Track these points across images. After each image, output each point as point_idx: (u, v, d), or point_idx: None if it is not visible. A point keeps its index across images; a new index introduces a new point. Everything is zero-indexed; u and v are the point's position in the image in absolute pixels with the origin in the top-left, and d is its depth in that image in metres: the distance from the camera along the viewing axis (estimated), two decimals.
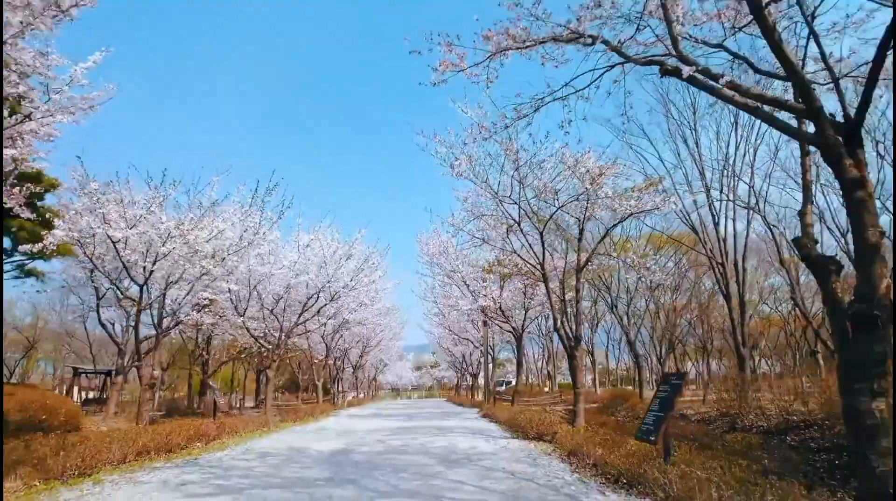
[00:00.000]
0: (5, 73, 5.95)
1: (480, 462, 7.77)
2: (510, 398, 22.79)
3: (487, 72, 5.94)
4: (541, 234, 12.46)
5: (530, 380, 49.17)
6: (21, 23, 4.43)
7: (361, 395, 45.71)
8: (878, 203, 15.50)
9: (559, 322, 12.24)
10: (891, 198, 15.67)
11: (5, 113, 7.23)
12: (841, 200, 16.66)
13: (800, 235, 4.29)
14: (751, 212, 17.02)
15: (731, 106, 9.07)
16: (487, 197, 12.50)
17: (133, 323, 18.72)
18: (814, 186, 16.12)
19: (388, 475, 6.75)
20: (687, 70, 4.25)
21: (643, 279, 20.40)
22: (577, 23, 5.01)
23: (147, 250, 10.25)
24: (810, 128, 3.89)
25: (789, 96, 4.90)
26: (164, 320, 12.18)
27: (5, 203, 8.36)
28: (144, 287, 10.75)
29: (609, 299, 22.76)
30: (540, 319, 28.90)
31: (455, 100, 10.41)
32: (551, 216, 12.48)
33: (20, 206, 8.33)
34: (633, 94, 20.27)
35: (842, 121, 3.58)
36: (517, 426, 12.00)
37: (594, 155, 11.13)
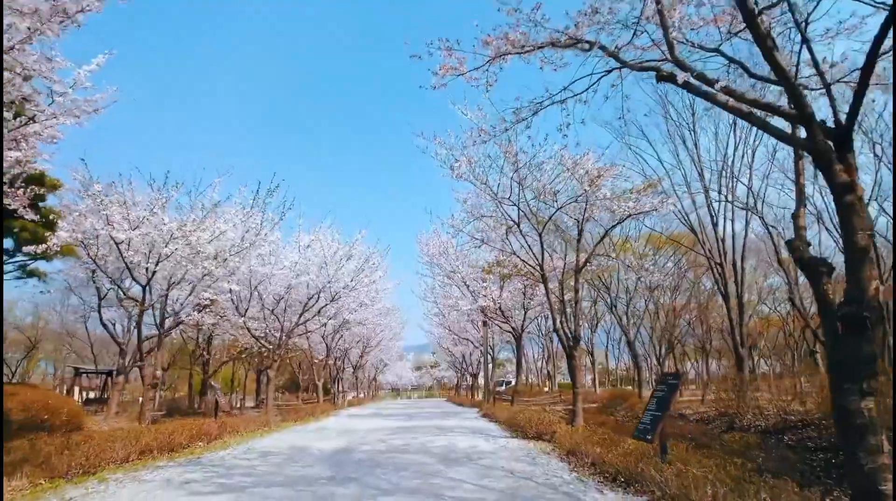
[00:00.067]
0: (10, 76, 6.03)
1: (480, 460, 7.85)
2: (510, 397, 22.88)
3: (487, 76, 6.02)
4: (540, 235, 12.55)
5: (530, 380, 49.26)
6: (28, 28, 4.52)
7: (361, 395, 45.80)
8: (875, 205, 15.60)
9: (558, 323, 12.32)
10: (888, 199, 15.76)
11: (10, 115, 7.31)
12: None
13: (794, 237, 4.37)
14: (749, 213, 17.12)
15: None
16: (487, 198, 12.60)
17: (135, 323, 18.89)
18: (812, 188, 16.29)
19: (390, 473, 6.83)
20: (682, 76, 4.34)
21: (642, 280, 20.49)
22: (575, 28, 5.09)
23: (150, 251, 10.34)
24: (803, 133, 3.97)
25: (784, 101, 4.98)
26: (167, 320, 12.26)
27: (9, 205, 8.44)
28: (147, 288, 10.83)
29: (608, 300, 22.86)
30: (539, 319, 29.00)
31: (455, 102, 10.50)
32: (550, 218, 12.57)
33: (24, 207, 8.41)
34: (632, 95, 20.39)
35: (833, 126, 3.66)
36: (516, 426, 12.09)
37: (593, 157, 11.23)
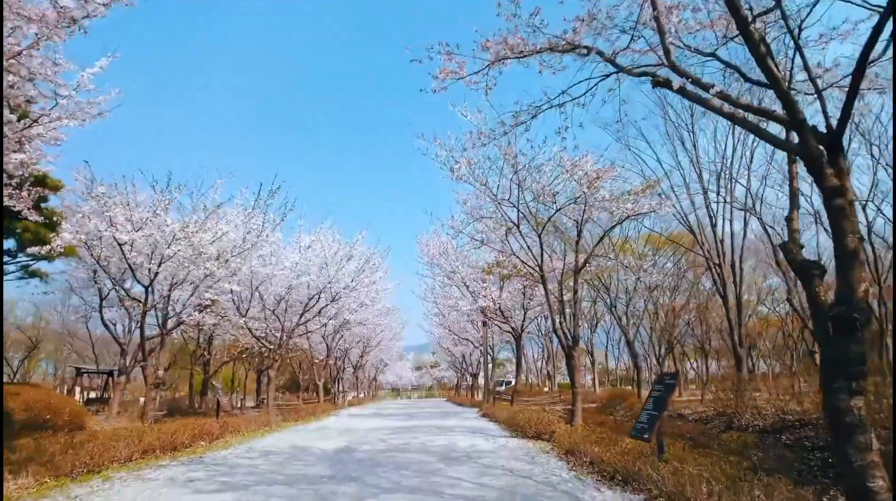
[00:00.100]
0: (16, 80, 6.11)
1: (480, 459, 7.93)
2: (509, 397, 22.96)
3: (486, 79, 6.09)
4: (539, 236, 12.64)
5: (530, 380, 49.35)
6: (36, 34, 4.60)
7: (362, 395, 45.88)
8: (872, 206, 15.69)
9: (557, 323, 12.40)
10: (885, 200, 15.85)
11: (14, 117, 7.40)
12: None
13: (788, 239, 4.45)
14: (747, 214, 17.21)
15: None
16: (487, 200, 12.69)
17: (136, 324, 18.97)
18: (810, 189, 16.37)
19: (390, 472, 6.91)
20: (677, 82, 4.42)
21: (641, 280, 20.58)
22: (573, 34, 5.17)
23: (152, 253, 10.44)
24: (796, 138, 4.05)
25: (779, 106, 5.06)
26: (169, 320, 12.35)
27: (13, 206, 8.52)
28: (150, 288, 10.92)
29: (608, 300, 22.95)
30: (539, 319, 29.08)
31: (455, 103, 10.59)
32: (550, 219, 12.65)
33: (28, 209, 8.49)
34: (631, 97, 20.42)
35: (824, 131, 3.74)
36: (516, 426, 12.17)
37: (592, 158, 11.31)
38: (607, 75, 5.53)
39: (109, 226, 9.52)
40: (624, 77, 5.76)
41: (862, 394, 3.33)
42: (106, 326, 17.62)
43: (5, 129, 6.27)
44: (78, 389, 26.51)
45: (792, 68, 4.68)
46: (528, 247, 13.36)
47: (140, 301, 11.36)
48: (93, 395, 27.80)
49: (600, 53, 5.15)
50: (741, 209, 17.33)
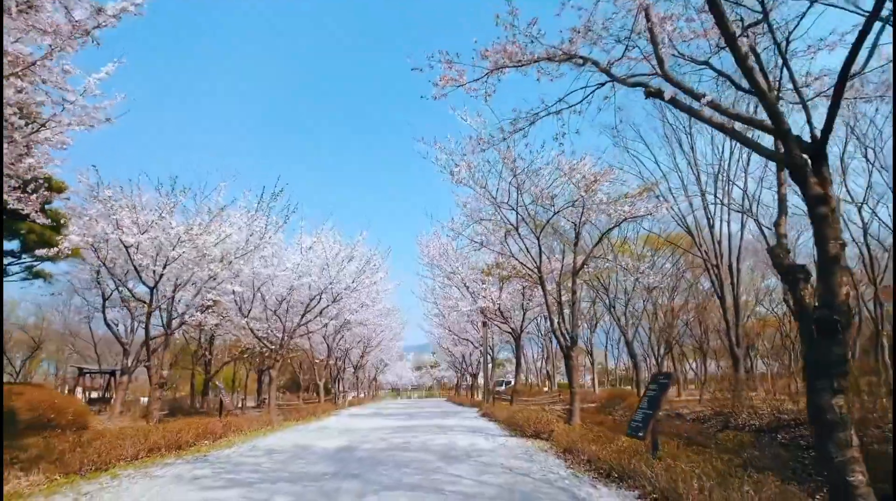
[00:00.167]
0: (27, 86, 6.27)
1: (479, 458, 8.09)
2: (509, 397, 23.13)
3: (486, 87, 6.25)
4: (538, 238, 12.80)
5: (529, 380, 49.53)
6: (50, 46, 4.76)
7: (362, 395, 46.03)
8: (867, 208, 15.85)
9: (556, 323, 12.56)
10: (880, 201, 16.01)
11: (22, 122, 7.55)
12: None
13: (776, 244, 4.61)
14: (744, 216, 17.36)
15: None
16: (486, 202, 12.86)
17: (138, 323, 19.13)
18: None
19: (391, 470, 7.07)
20: (669, 93, 4.57)
21: (640, 281, 20.74)
22: (570, 44, 5.33)
23: (157, 255, 10.60)
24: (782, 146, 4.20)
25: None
26: (172, 321, 12.52)
27: (21, 209, 8.68)
28: (154, 289, 11.09)
29: (607, 300, 23.11)
30: (539, 319, 29.24)
31: (455, 108, 10.74)
32: (548, 221, 12.81)
33: (36, 212, 8.64)
34: (629, 99, 20.71)
35: (809, 141, 3.90)
36: (515, 425, 12.32)
37: (590, 161, 11.47)
38: (603, 84, 5.69)
39: (116, 229, 9.70)
40: (619, 86, 5.93)
41: (843, 393, 3.49)
42: (109, 326, 17.81)
43: (15, 134, 6.43)
44: (80, 389, 26.68)
45: (780, 78, 4.84)
46: (527, 249, 13.52)
47: (145, 302, 11.53)
48: (94, 395, 27.98)
49: (595, 64, 5.31)
50: (738, 211, 17.49)
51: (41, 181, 7.55)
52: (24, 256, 16.17)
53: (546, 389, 39.51)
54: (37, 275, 17.48)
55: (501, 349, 40.93)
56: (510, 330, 21.63)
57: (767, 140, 6.25)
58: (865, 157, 15.04)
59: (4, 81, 4.96)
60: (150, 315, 11.30)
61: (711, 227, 17.60)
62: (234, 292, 14.03)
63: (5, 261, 16.01)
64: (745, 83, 5.99)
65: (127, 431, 8.87)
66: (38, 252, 10.04)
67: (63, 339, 33.05)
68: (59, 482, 6.28)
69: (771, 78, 5.21)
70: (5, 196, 7.89)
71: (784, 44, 4.45)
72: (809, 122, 4.03)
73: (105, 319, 17.67)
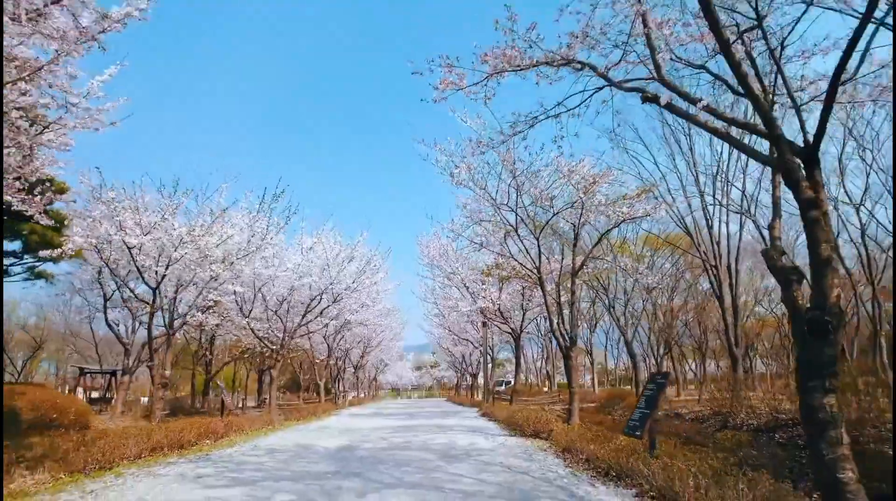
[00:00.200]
0: (30, 89, 6.34)
1: (479, 457, 8.17)
2: (509, 397, 23.21)
3: (485, 90, 6.33)
4: (537, 239, 12.88)
5: (529, 380, 49.63)
6: (56, 51, 4.84)
7: (362, 395, 46.12)
8: (865, 209, 15.92)
9: (556, 324, 12.64)
10: (878, 202, 16.10)
11: (26, 124, 7.63)
12: (830, 205, 17.10)
13: (770, 246, 4.69)
14: (743, 216, 17.44)
15: None
16: (486, 204, 12.94)
17: (139, 324, 19.22)
18: None
19: (392, 468, 7.15)
20: (665, 97, 4.66)
21: (639, 281, 20.83)
22: (568, 49, 5.41)
23: (159, 255, 10.69)
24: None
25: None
26: (175, 321, 12.61)
27: (25, 211, 8.76)
28: (157, 290, 11.18)
29: (606, 301, 23.20)
30: (538, 319, 29.33)
31: (455, 109, 10.81)
32: (547, 222, 12.89)
33: (40, 213, 8.72)
34: (629, 100, 20.72)
35: (802, 145, 3.98)
36: (515, 425, 12.40)
37: (589, 163, 11.56)
38: (601, 88, 5.77)
39: (119, 230, 9.78)
40: (617, 90, 6.01)
41: (834, 392, 3.57)
42: (110, 326, 17.92)
43: (21, 137, 6.50)
44: (80, 389, 26.77)
45: (775, 82, 4.91)
46: (527, 250, 13.61)
47: (147, 302, 11.62)
48: (95, 395, 28.07)
49: (593, 68, 5.39)
50: (737, 212, 17.57)
51: (48, 184, 7.61)
52: (26, 256, 16.27)
53: (546, 389, 39.60)
54: (39, 275, 17.58)
55: (501, 349, 41.06)
56: (510, 330, 21.73)
57: (765, 144, 6.34)
58: (863, 158, 15.14)
59: (11, 85, 5.04)
60: (153, 315, 11.39)
61: (710, 227, 17.68)
62: (235, 292, 14.11)
63: (8, 261, 16.10)
64: (741, 88, 6.11)
65: (130, 430, 8.95)
66: (42, 253, 10.12)
67: (64, 339, 33.15)
68: (63, 480, 6.36)
69: (766, 82, 5.29)
70: (9, 197, 7.97)
71: (778, 49, 4.53)
72: (802, 127, 4.11)
73: (106, 319, 17.78)
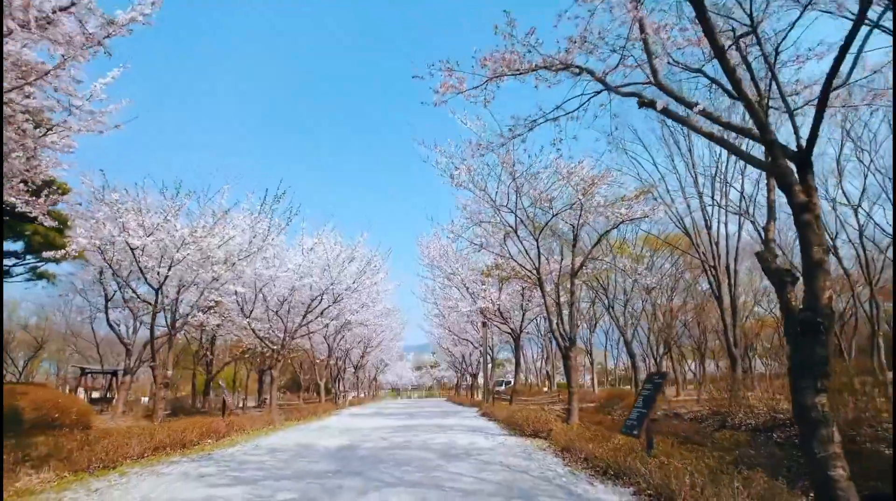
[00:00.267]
0: (34, 90, 6.42)
1: (479, 456, 8.24)
2: (509, 397, 23.28)
3: (485, 93, 6.42)
4: (536, 240, 12.96)
5: (529, 380, 49.69)
6: (63, 56, 4.92)
7: (362, 395, 46.20)
8: (863, 211, 16.00)
9: (555, 324, 12.72)
10: (876, 202, 16.18)
11: (30, 126, 7.71)
12: (828, 206, 17.17)
13: (764, 248, 4.77)
14: (741, 217, 17.52)
15: None
16: (486, 205, 13.02)
17: (140, 324, 19.31)
18: None
19: (392, 468, 7.22)
20: (661, 103, 4.74)
21: (638, 281, 20.91)
22: (566, 54, 5.49)
23: (162, 256, 10.77)
24: None
25: None
26: (177, 321, 12.69)
27: (30, 212, 8.84)
28: (159, 291, 11.26)
29: (606, 301, 23.28)
30: (538, 320, 29.40)
31: (455, 111, 10.89)
32: (547, 224, 12.97)
33: (43, 215, 8.80)
34: (627, 101, 20.83)
35: (795, 150, 4.06)
36: (514, 424, 12.48)
37: (588, 165, 11.63)
38: (599, 92, 5.85)
39: (122, 231, 9.87)
40: (614, 94, 6.09)
41: (826, 392, 3.65)
42: (111, 326, 18.00)
43: (27, 140, 6.58)
44: (81, 389, 26.85)
45: (770, 87, 4.99)
46: (526, 251, 13.68)
47: (149, 303, 11.70)
48: (96, 395, 28.14)
49: (591, 73, 5.47)
50: (735, 213, 17.64)
51: (55, 188, 7.70)
52: (28, 257, 16.35)
53: (545, 389, 39.65)
54: (41, 276, 17.65)
55: (501, 350, 41.15)
56: (510, 330, 21.80)
57: (762, 148, 6.42)
58: (860, 160, 15.22)
59: (18, 90, 5.12)
60: (155, 316, 11.47)
61: (709, 228, 17.75)
62: (236, 292, 14.19)
63: (10, 262, 16.18)
64: (735, 93, 6.19)
65: (133, 430, 9.03)
66: (46, 254, 10.20)
67: (65, 339, 33.23)
68: (68, 479, 6.44)
69: (762, 86, 5.37)
70: (14, 199, 8.05)
71: (773, 54, 4.61)
72: (796, 131, 4.18)
73: (108, 319, 17.86)
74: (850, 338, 22.50)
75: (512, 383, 30.23)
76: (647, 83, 5.60)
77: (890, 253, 18.41)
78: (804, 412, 3.67)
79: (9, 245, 15.82)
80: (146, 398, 29.72)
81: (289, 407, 24.22)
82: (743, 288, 23.98)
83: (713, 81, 5.93)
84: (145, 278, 11.10)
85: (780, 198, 6.19)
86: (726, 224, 18.20)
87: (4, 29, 4.03)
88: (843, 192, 16.88)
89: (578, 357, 23.54)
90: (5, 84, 5.27)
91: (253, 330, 16.89)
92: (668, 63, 6.08)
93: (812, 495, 5.27)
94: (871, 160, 15.06)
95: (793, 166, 4.02)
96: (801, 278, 4.59)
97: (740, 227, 18.00)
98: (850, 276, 19.53)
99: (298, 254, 17.17)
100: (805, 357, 3.75)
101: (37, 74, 5.06)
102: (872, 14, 5.11)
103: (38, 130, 7.87)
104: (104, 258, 10.88)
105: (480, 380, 35.39)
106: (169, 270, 10.83)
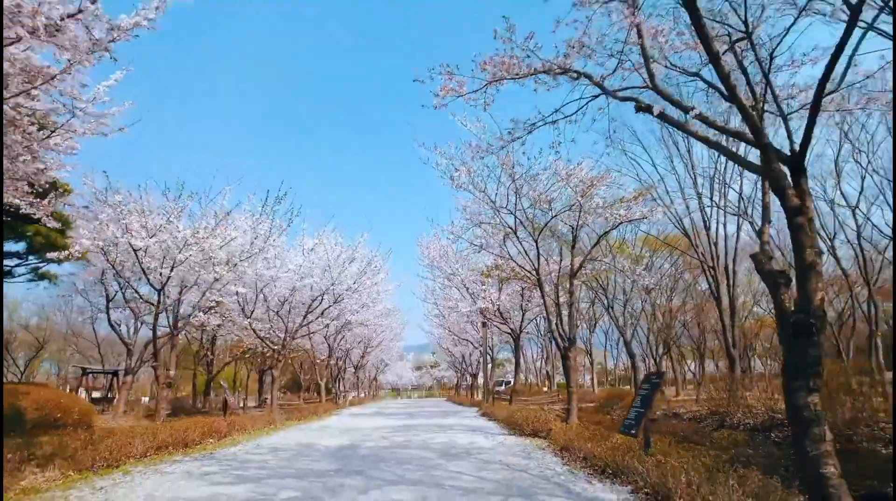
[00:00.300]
0: (38, 92, 6.49)
1: (479, 455, 8.32)
2: (508, 397, 23.36)
3: (485, 97, 6.50)
4: (536, 241, 13.03)
5: (529, 380, 49.77)
6: (68, 60, 5.00)
7: (362, 395, 46.28)
8: (860, 212, 16.07)
9: (554, 324, 12.80)
10: (874, 203, 16.25)
11: (34, 128, 7.79)
12: (827, 207, 17.25)
13: (759, 250, 4.85)
14: (740, 218, 17.60)
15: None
16: (485, 206, 13.10)
17: (142, 324, 19.38)
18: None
19: (393, 466, 7.30)
20: (658, 108, 4.81)
21: (637, 282, 20.99)
22: (565, 59, 5.57)
23: (164, 257, 10.85)
24: None
25: None
26: (179, 321, 12.78)
27: (33, 214, 8.91)
28: (162, 291, 11.34)
29: (605, 301, 23.35)
30: (538, 320, 29.47)
31: (455, 113, 10.98)
32: (546, 225, 13.05)
33: (47, 216, 8.87)
34: (624, 105, 20.92)
35: (788, 154, 4.14)
36: (514, 424, 12.55)
37: (587, 166, 11.72)
38: (597, 96, 5.93)
39: (125, 232, 9.95)
40: (612, 99, 6.17)
41: (818, 392, 3.73)
42: (112, 327, 18.06)
43: (33, 144, 6.66)
44: (82, 389, 26.91)
45: (765, 92, 5.07)
46: (525, 251, 13.76)
47: (151, 303, 11.78)
48: (97, 395, 28.21)
49: (589, 77, 5.55)
50: (734, 214, 17.73)
51: (60, 191, 7.77)
52: (30, 257, 16.42)
53: (545, 389, 39.72)
54: (43, 277, 17.72)
55: (501, 350, 41.22)
56: (509, 331, 21.88)
57: (757, 152, 6.51)
58: (857, 161, 15.31)
59: (26, 95, 5.20)
60: (157, 316, 11.55)
61: (708, 229, 17.83)
62: (237, 293, 14.28)
63: (12, 263, 16.26)
64: (730, 98, 6.27)
65: (136, 429, 9.11)
66: (50, 255, 10.28)
67: (66, 339, 33.32)
68: (73, 477, 6.51)
69: (758, 90, 5.44)
70: (18, 200, 8.13)
71: (768, 59, 4.69)
72: (789, 135, 4.26)
73: (109, 319, 17.93)
74: (849, 338, 22.58)
75: (512, 383, 30.31)
76: (644, 87, 5.68)
77: (888, 254, 18.50)
78: (797, 412, 3.75)
79: (10, 246, 15.90)
80: (147, 398, 29.81)
81: (289, 407, 24.30)
82: (742, 289, 24.07)
83: (710, 84, 6.00)
84: (148, 279, 11.19)
85: (776, 200, 6.29)
86: (725, 225, 18.31)
87: (13, 35, 4.12)
88: (842, 193, 16.99)
89: (578, 357, 23.66)
90: (12, 88, 5.36)
91: (254, 330, 16.97)
92: (666, 67, 6.17)
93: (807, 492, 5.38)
94: (869, 162, 15.16)
95: (786, 170, 4.10)
96: (792, 280, 4.69)
97: (739, 228, 18.08)
98: (848, 276, 19.62)
99: (299, 255, 17.24)
100: (798, 358, 3.82)
101: (43, 79, 5.14)
102: (868, 17, 5.21)
103: (41, 132, 7.97)
104: (107, 259, 10.96)
105: (480, 380, 35.47)
106: (171, 271, 10.92)
